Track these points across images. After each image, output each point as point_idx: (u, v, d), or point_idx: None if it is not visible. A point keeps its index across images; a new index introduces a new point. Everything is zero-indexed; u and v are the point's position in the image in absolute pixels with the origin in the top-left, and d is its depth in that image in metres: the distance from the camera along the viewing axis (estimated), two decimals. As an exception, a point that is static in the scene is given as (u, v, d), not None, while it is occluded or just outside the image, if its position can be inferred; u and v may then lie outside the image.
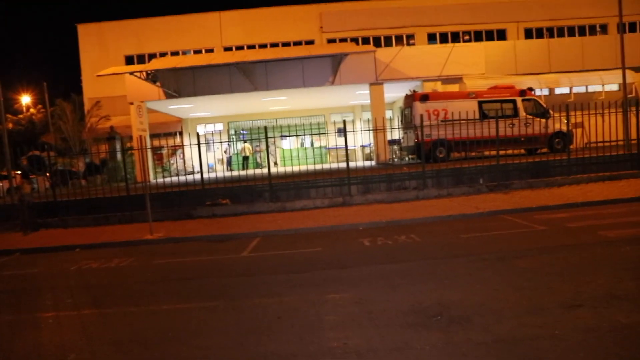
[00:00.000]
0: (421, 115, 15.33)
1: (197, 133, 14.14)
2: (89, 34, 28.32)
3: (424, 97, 17.55)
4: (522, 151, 18.40)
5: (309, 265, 7.61)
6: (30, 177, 19.52)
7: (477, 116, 16.98)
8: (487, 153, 17.26)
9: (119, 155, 22.17)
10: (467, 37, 26.27)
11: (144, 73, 18.75)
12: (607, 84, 21.57)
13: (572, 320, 4.56)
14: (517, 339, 4.25)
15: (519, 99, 17.78)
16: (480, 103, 17.57)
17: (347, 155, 14.21)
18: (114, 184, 17.71)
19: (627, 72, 17.26)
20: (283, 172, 16.28)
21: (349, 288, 6.11)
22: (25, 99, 37.80)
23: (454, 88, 20.60)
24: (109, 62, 26.05)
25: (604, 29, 28.65)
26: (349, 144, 14.76)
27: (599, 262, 6.50)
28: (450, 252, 7.76)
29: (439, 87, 20.69)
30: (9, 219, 14.22)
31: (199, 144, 13.94)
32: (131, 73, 18.77)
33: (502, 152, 15.45)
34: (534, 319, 4.66)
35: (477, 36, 28.31)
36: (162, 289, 6.90)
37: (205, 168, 15.24)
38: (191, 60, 20.15)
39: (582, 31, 28.56)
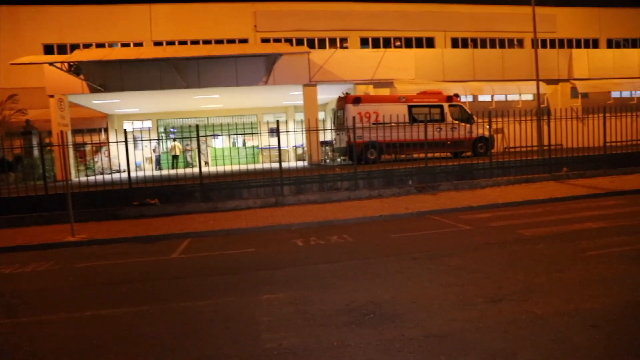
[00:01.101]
0: (353, 118, 15.64)
1: (125, 130, 13.51)
2: (2, 18, 26.14)
3: (357, 100, 17.92)
4: (449, 154, 19.30)
5: (242, 266, 7.52)
6: None
7: (407, 120, 17.62)
8: (416, 155, 17.96)
9: (36, 152, 20.69)
10: (398, 43, 27.17)
11: (66, 64, 17.62)
12: (524, 93, 23.21)
13: (495, 314, 4.84)
14: (446, 333, 4.44)
15: (445, 105, 18.65)
16: (410, 107, 18.24)
17: (279, 155, 14.19)
18: (30, 183, 16.49)
19: (540, 84, 18.61)
20: (215, 171, 15.94)
21: (283, 288, 6.10)
22: None
23: (385, 92, 21.21)
24: (24, 50, 24.17)
25: (520, 43, 30.79)
26: (281, 145, 14.75)
27: (518, 259, 6.95)
28: (382, 252, 7.96)
29: (371, 91, 21.21)
30: None
31: (126, 141, 13.32)
32: (51, 63, 17.56)
33: (430, 155, 16.10)
34: (461, 313, 4.89)
35: (408, 43, 29.35)
36: (85, 295, 6.52)
37: (132, 167, 14.57)
38: (119, 54, 19.23)
39: (502, 44, 30.51)
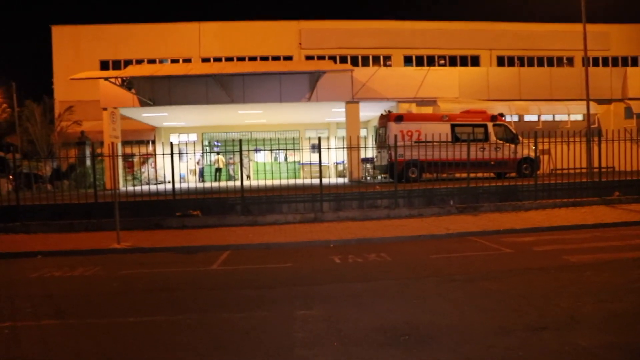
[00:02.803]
0: (395, 136, 15.57)
1: (171, 143, 13.97)
2: (63, 36, 27.79)
3: (399, 118, 17.85)
4: (492, 175, 18.87)
5: (279, 281, 7.57)
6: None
7: (449, 139, 17.40)
8: (457, 175, 17.67)
9: (88, 161, 21.68)
10: (442, 62, 26.99)
11: (119, 79, 18.49)
12: (573, 114, 22.44)
13: (536, 342, 4.66)
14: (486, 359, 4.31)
15: (490, 124, 18.29)
16: (452, 126, 18.00)
17: (320, 171, 14.28)
18: (81, 190, 17.26)
19: (591, 103, 18.00)
20: (256, 185, 16.18)
21: (318, 305, 6.09)
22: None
23: (428, 110, 21.04)
24: (83, 66, 25.57)
25: (570, 61, 29.94)
26: (323, 161, 14.85)
27: (562, 286, 6.68)
28: (420, 273, 7.84)
29: (414, 109, 21.10)
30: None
31: (172, 153, 13.77)
32: (106, 78, 18.47)
33: (472, 175, 15.80)
34: (500, 340, 4.74)
35: (452, 61, 29.11)
36: (128, 301, 6.73)
37: (177, 178, 14.97)
38: (168, 69, 19.99)
39: (550, 62, 29.75)
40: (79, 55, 27.44)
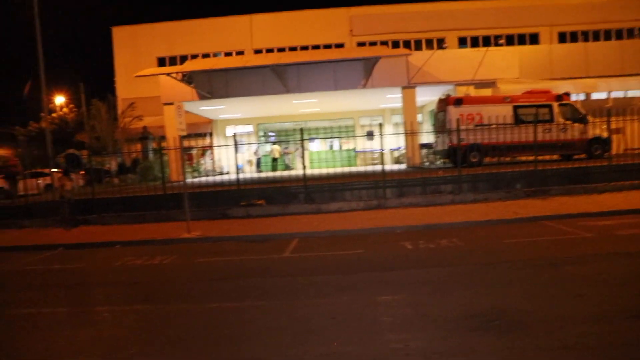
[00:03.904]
0: (457, 120, 15.18)
1: (234, 134, 14.30)
2: (123, 36, 28.94)
3: (458, 101, 17.38)
4: (556, 157, 18.05)
5: (353, 267, 7.61)
6: (69, 174, 20.01)
7: (511, 121, 16.78)
8: (521, 158, 17.04)
9: (151, 155, 22.56)
10: (501, 41, 25.91)
11: (180, 74, 19.04)
12: (649, 88, 21.03)
13: (636, 330, 4.45)
14: (583, 346, 4.16)
15: (555, 104, 17.47)
16: (515, 108, 17.32)
17: (382, 158, 14.20)
18: (146, 183, 18.00)
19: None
20: (312, 174, 16.26)
21: (398, 290, 6.07)
22: (59, 99, 38.76)
23: (487, 92, 20.36)
24: (141, 63, 26.56)
25: (641, 33, 28.01)
26: (378, 148, 14.73)
27: (656, 271, 6.33)
28: (497, 257, 7.64)
29: (472, 91, 20.48)
30: (49, 215, 14.58)
31: (235, 144, 14.07)
32: (168, 74, 19.08)
33: (537, 158, 15.19)
34: (598, 327, 4.56)
35: (509, 40, 27.99)
36: (209, 287, 6.97)
37: (235, 169, 15.28)
38: (226, 62, 20.39)
39: (619, 35, 27.93)
40: (137, 53, 28.52)
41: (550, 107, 17.46)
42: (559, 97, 17.63)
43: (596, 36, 27.84)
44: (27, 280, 8.34)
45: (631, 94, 21.47)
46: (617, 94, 21.26)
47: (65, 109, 39.50)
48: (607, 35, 27.86)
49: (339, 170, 15.06)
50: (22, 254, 10.83)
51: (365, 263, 7.79)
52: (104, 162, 26.10)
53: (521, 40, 27.81)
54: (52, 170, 17.45)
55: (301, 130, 14.34)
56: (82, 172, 22.12)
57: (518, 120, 16.99)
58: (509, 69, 20.44)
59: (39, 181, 20.82)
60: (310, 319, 5.24)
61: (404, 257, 8.09)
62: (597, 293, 5.53)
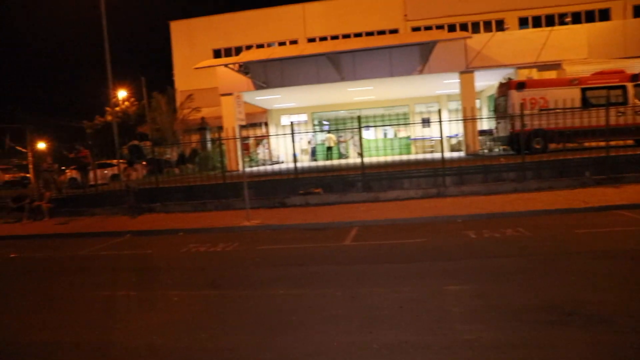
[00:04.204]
0: (521, 104, 14.55)
1: (291, 122, 14.41)
2: (180, 30, 29.77)
3: (521, 85, 16.64)
4: (630, 142, 16.92)
5: (417, 255, 7.48)
6: (133, 165, 21.01)
7: (579, 104, 15.89)
8: (588, 144, 16.13)
9: (209, 145, 23.19)
10: (567, 20, 24.40)
11: (237, 65, 19.37)
12: None
13: None
14: (678, 344, 3.87)
15: (630, 85, 16.36)
16: (583, 90, 16.38)
17: (442, 145, 13.81)
18: (205, 173, 18.56)
19: None
20: (370, 162, 16.13)
21: (465, 280, 5.91)
22: (122, 93, 40.53)
23: (551, 75, 19.35)
24: (198, 56, 27.24)
25: None
26: (435, 135, 14.35)
27: None
28: (568, 248, 7.27)
29: (535, 75, 19.52)
30: (117, 203, 15.34)
31: (292, 133, 14.18)
32: (226, 65, 19.46)
33: (606, 143, 14.36)
34: (691, 323, 4.22)
35: (575, 18, 26.38)
36: (273, 274, 7.06)
37: (290, 158, 15.40)
38: (281, 52, 20.51)
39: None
40: (194, 46, 29.27)
41: (624, 88, 16.38)
42: (634, 77, 16.48)
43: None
44: (101, 264, 8.81)
45: None
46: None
47: (127, 103, 41.29)
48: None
49: (396, 158, 14.81)
50: (94, 239, 11.47)
51: (428, 252, 7.64)
52: (165, 152, 27.12)
53: (589, 17, 26.17)
54: (118, 161, 18.33)
55: (359, 117, 14.20)
56: (144, 163, 23.15)
57: (587, 104, 16.08)
58: (577, 49, 19.30)
59: (106, 172, 21.96)
60: (377, 307, 5.19)
61: (468, 246, 7.87)
62: (686, 287, 5.14)
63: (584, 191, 12.48)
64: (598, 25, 22.55)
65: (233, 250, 9.04)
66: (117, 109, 40.60)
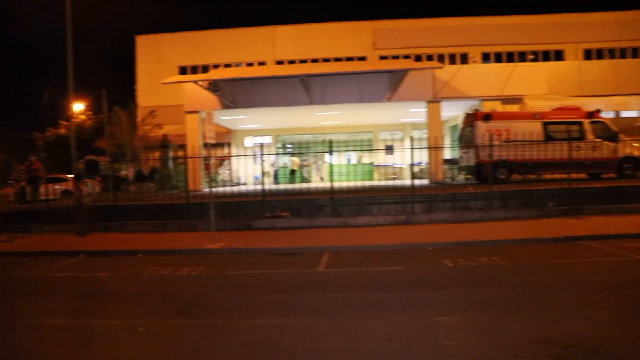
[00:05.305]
0: (490, 134, 14.84)
1: (261, 144, 14.07)
2: (146, 45, 29.07)
3: (487, 117, 17.01)
4: (584, 176, 17.54)
5: (396, 284, 7.23)
6: (83, 180, 19.91)
7: (541, 137, 16.39)
8: (549, 176, 16.62)
9: (170, 163, 22.41)
10: (531, 57, 25.47)
11: (206, 82, 18.93)
12: (681, 108, 20.50)
13: None
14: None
15: (586, 121, 17.03)
16: (545, 124, 16.92)
17: (412, 172, 13.88)
18: (164, 192, 17.83)
19: None
20: (340, 187, 15.92)
21: (454, 311, 5.69)
22: (78, 106, 38.94)
23: (514, 108, 19.97)
24: (163, 72, 26.58)
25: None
26: (397, 162, 14.39)
27: None
28: (548, 279, 7.24)
29: (499, 107, 20.08)
30: (68, 220, 14.33)
31: (262, 154, 13.84)
32: (195, 82, 18.97)
33: (564, 176, 14.83)
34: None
35: (534, 56, 27.62)
36: (248, 302, 6.62)
37: (251, 180, 15.02)
38: (253, 72, 20.30)
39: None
40: (159, 62, 28.59)
41: (581, 124, 17.02)
42: (590, 114, 17.20)
43: (623, 54, 27.40)
44: (52, 288, 8.07)
45: (663, 113, 20.97)
46: (649, 113, 20.77)
47: (82, 116, 39.66)
48: (635, 53, 27.40)
49: (359, 184, 14.71)
50: (45, 259, 10.60)
51: (407, 281, 7.41)
52: (121, 169, 26.02)
53: (546, 56, 27.46)
54: (71, 175, 17.34)
55: (330, 142, 14.04)
56: (98, 179, 22.06)
57: (547, 137, 16.59)
58: (537, 85, 20.07)
59: (57, 187, 20.73)
60: (366, 339, 4.87)
61: (447, 275, 7.71)
62: (673, 321, 5.11)
63: (549, 221, 12.71)
64: (557, 65, 23.71)
65: (200, 275, 8.51)
66: (74, 121, 38.95)
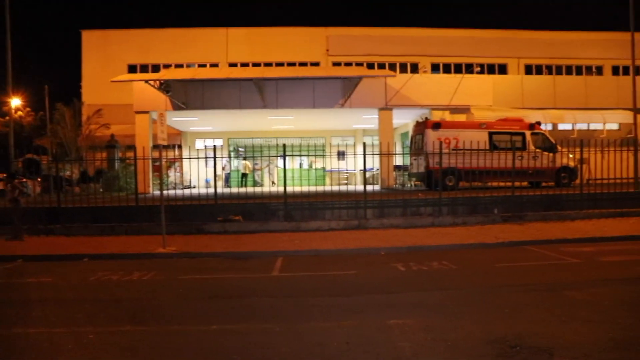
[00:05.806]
0: (440, 142, 15.36)
1: (214, 146, 13.89)
2: (93, 40, 27.98)
3: (436, 125, 17.61)
4: (526, 184, 18.47)
5: (351, 288, 7.35)
6: (22, 180, 18.81)
7: (487, 147, 17.12)
8: (494, 184, 17.38)
9: (117, 164, 21.61)
10: (478, 69, 26.54)
11: (157, 82, 18.45)
12: (609, 122, 22.04)
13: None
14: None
15: (528, 132, 17.99)
16: (490, 134, 17.71)
17: (364, 178, 14.13)
18: (110, 193, 17.21)
19: (628, 113, 17.63)
20: (293, 191, 15.96)
21: (407, 314, 5.85)
22: (15, 102, 36.87)
23: (461, 117, 20.79)
24: (111, 69, 25.67)
25: (599, 70, 29.45)
26: (349, 168, 14.65)
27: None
28: (493, 282, 7.59)
29: (447, 116, 20.83)
30: (3, 223, 13.47)
31: (214, 157, 13.67)
32: (146, 81, 18.43)
33: (508, 184, 15.57)
34: (622, 354, 4.48)
35: (480, 69, 28.85)
36: (202, 307, 6.52)
37: (202, 183, 14.74)
38: (206, 73, 20.01)
39: (579, 71, 29.38)
40: (107, 59, 27.58)
41: (523, 135, 17.95)
42: (531, 126, 18.17)
43: (559, 70, 29.18)
44: (-9, 295, 7.60)
45: (593, 126, 22.41)
46: (581, 126, 22.15)
47: (20, 112, 37.57)
48: (569, 71, 29.28)
49: (312, 189, 14.83)
50: (-22, 265, 9.95)
51: (361, 285, 7.55)
52: (65, 169, 24.82)
53: (491, 69, 28.78)
54: (5, 175, 16.37)
55: (284, 146, 14.06)
56: (39, 179, 20.94)
57: (493, 147, 17.36)
58: (483, 96, 20.99)
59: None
60: (323, 343, 4.92)
61: (399, 279, 7.92)
62: (608, 319, 5.48)
63: (494, 227, 13.31)
64: (501, 78, 24.90)
65: (151, 280, 8.29)
66: (8, 118, 36.81)
